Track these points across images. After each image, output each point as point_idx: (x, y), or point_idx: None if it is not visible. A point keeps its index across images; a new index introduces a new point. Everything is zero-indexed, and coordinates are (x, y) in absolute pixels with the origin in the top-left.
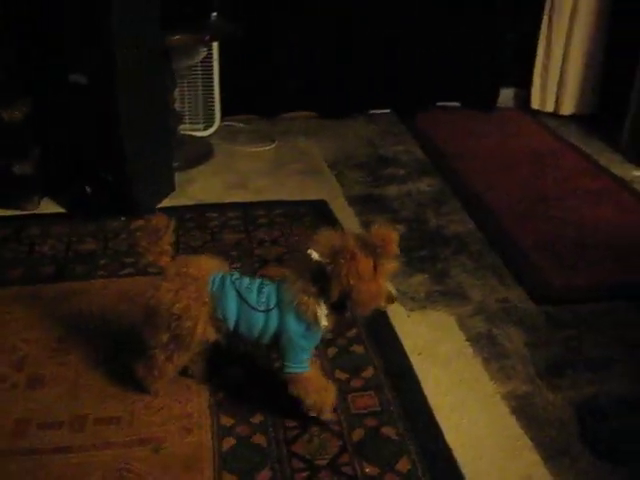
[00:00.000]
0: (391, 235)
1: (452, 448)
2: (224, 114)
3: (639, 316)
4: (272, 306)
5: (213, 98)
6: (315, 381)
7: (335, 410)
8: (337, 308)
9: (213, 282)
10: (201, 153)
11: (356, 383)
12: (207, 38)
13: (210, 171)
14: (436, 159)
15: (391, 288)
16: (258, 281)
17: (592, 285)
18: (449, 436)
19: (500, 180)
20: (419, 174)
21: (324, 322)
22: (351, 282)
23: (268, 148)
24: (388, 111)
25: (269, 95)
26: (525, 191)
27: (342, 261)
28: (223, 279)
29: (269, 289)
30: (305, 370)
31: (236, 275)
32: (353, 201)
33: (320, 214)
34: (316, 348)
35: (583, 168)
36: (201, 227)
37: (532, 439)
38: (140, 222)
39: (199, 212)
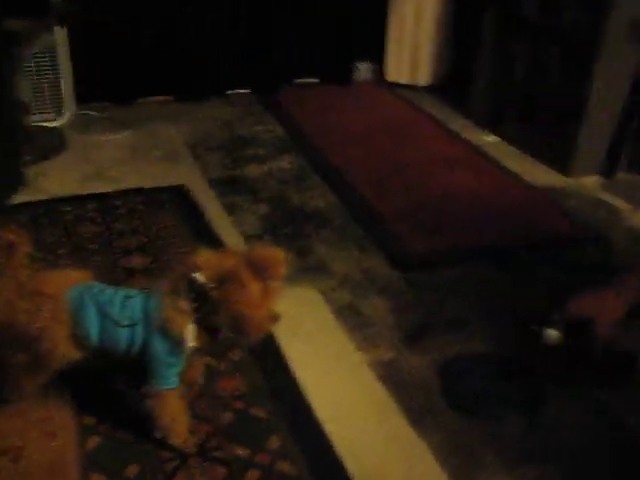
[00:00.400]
0: (279, 257)
1: (321, 421)
2: (77, 103)
3: (496, 276)
4: (136, 320)
5: (62, 86)
6: (173, 404)
7: (202, 395)
8: (210, 330)
9: (71, 298)
10: (53, 144)
11: (223, 366)
12: (50, 22)
13: (64, 163)
14: (296, 136)
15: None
16: (122, 293)
17: (451, 249)
18: (318, 409)
19: (360, 153)
20: (279, 152)
21: (191, 342)
22: (240, 310)
23: (125, 135)
24: (247, 91)
25: (123, 81)
26: (384, 162)
27: (230, 288)
28: (81, 294)
29: (134, 302)
30: (169, 387)
31: (97, 287)
32: (214, 184)
33: (181, 200)
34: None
35: (439, 136)
36: (56, 222)
37: (399, 402)
38: None
39: (53, 206)
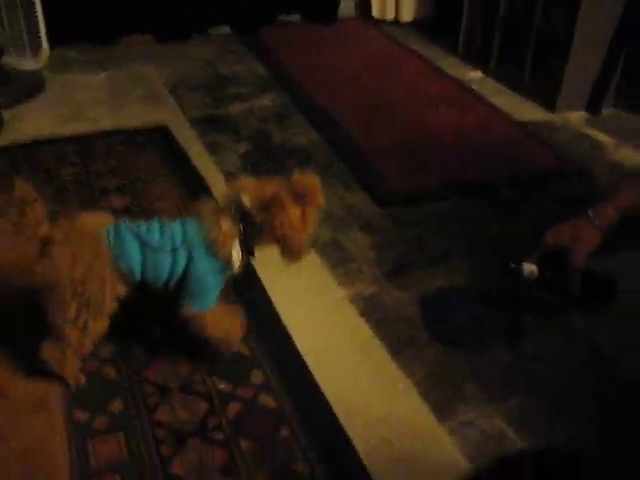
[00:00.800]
0: (315, 182)
1: (304, 355)
2: (54, 43)
3: (478, 211)
4: (178, 244)
5: (38, 26)
6: (219, 317)
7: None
8: (249, 251)
9: (108, 234)
10: (30, 86)
11: None
12: None
13: (42, 105)
14: (278, 74)
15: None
16: (156, 222)
17: (435, 186)
18: (300, 344)
19: (344, 90)
20: (261, 91)
21: (237, 263)
22: (284, 233)
23: (104, 76)
24: (228, 30)
25: (102, 20)
26: (369, 99)
27: (274, 212)
28: (117, 228)
29: (172, 228)
30: (211, 305)
31: (129, 222)
32: (195, 123)
33: (161, 140)
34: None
35: (425, 73)
36: (35, 165)
37: (381, 337)
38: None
39: (32, 149)
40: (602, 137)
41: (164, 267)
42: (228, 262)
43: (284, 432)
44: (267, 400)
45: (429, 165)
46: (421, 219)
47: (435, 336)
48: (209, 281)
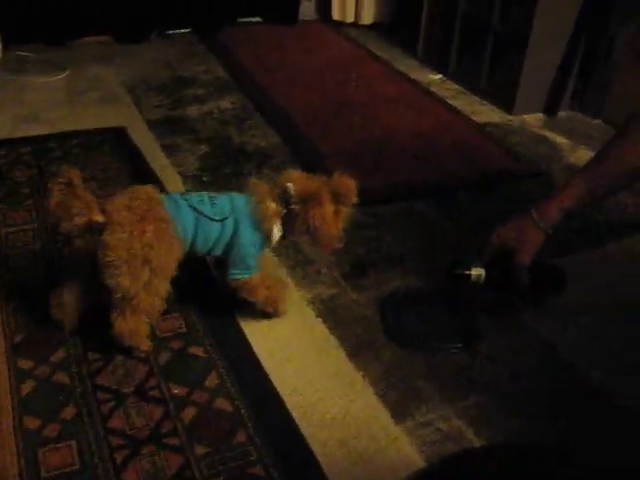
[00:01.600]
0: (352, 185)
1: (260, 357)
2: (8, 43)
3: (434, 213)
4: (227, 215)
5: None
6: (263, 281)
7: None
8: (285, 233)
9: (165, 201)
10: None
11: None
12: None
13: None
14: (238, 76)
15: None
16: (206, 195)
17: (391, 187)
18: (256, 346)
19: (303, 92)
20: (221, 93)
21: (275, 239)
22: (315, 225)
23: (61, 77)
24: (188, 31)
25: (58, 21)
26: (328, 101)
27: (311, 205)
28: (173, 197)
29: (221, 200)
30: (252, 274)
31: (182, 193)
32: (153, 125)
33: (118, 142)
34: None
35: (384, 75)
36: None
37: (339, 338)
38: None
39: None
40: (559, 139)
41: (213, 234)
42: (268, 237)
43: (240, 436)
44: (223, 404)
45: (386, 167)
46: (377, 221)
47: (391, 337)
48: (250, 250)
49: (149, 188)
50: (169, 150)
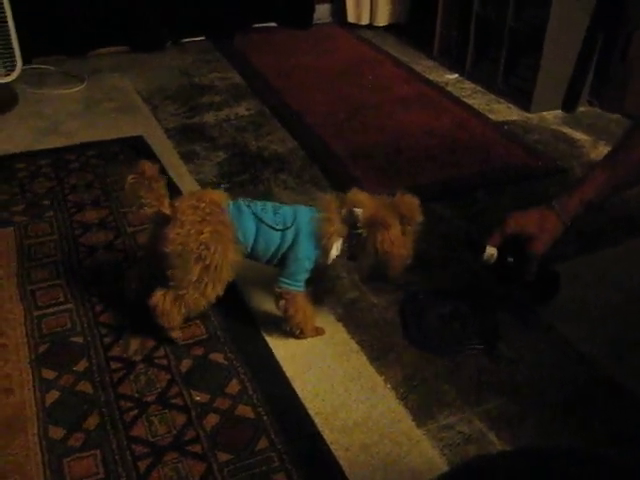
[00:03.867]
0: (416, 204)
1: (281, 362)
2: (28, 56)
3: (453, 213)
4: (289, 225)
5: (10, 39)
6: (303, 301)
7: (161, 343)
8: (351, 258)
9: (229, 207)
10: (4, 100)
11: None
12: None
13: (16, 119)
14: (254, 82)
15: None
16: (270, 204)
17: (408, 187)
18: (277, 351)
19: (319, 95)
20: (237, 99)
21: (332, 257)
22: (385, 249)
23: (79, 89)
24: (202, 38)
25: (76, 32)
26: (344, 103)
27: (379, 230)
28: (237, 204)
29: (284, 211)
30: (299, 290)
31: (247, 201)
32: (171, 133)
33: (137, 151)
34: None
35: (400, 76)
36: (9, 179)
37: (359, 342)
38: (132, 175)
39: (6, 164)
40: (578, 135)
41: (273, 242)
42: (325, 254)
43: (262, 442)
44: (245, 410)
45: (403, 168)
46: None
47: (412, 340)
48: (304, 264)
49: (217, 193)
50: (187, 158)
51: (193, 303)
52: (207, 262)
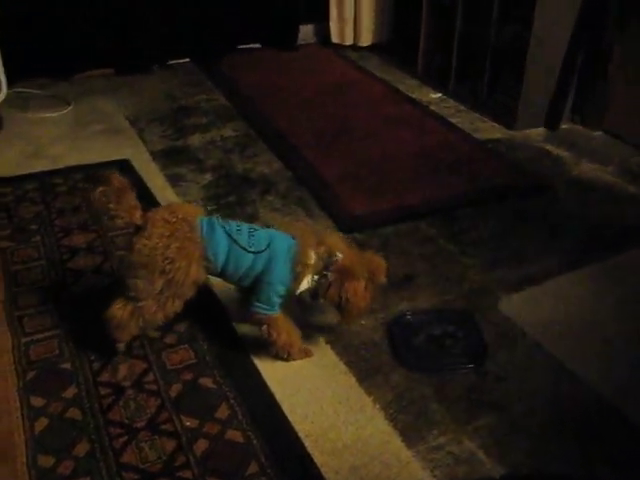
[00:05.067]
0: (384, 266)
1: (270, 385)
2: (13, 80)
3: (437, 232)
4: (263, 249)
5: None
6: (283, 323)
7: (151, 368)
8: (314, 294)
9: (202, 224)
10: None
11: (170, 339)
12: None
13: (1, 143)
14: (240, 103)
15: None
16: (246, 226)
17: (394, 208)
18: (266, 374)
19: (304, 116)
20: (223, 121)
21: (301, 288)
22: (349, 298)
23: (64, 112)
24: (188, 60)
25: (61, 55)
26: (329, 124)
27: (347, 279)
28: (211, 221)
29: (260, 234)
30: (275, 313)
31: (221, 219)
32: (157, 156)
33: (123, 174)
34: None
35: (384, 96)
36: None
37: (347, 364)
38: (99, 188)
39: None
40: (561, 152)
41: (244, 264)
42: (297, 283)
43: (252, 467)
44: (234, 435)
45: (389, 188)
46: (382, 242)
47: (400, 361)
48: (278, 288)
49: (192, 208)
50: (173, 180)
51: (151, 316)
52: (170, 276)
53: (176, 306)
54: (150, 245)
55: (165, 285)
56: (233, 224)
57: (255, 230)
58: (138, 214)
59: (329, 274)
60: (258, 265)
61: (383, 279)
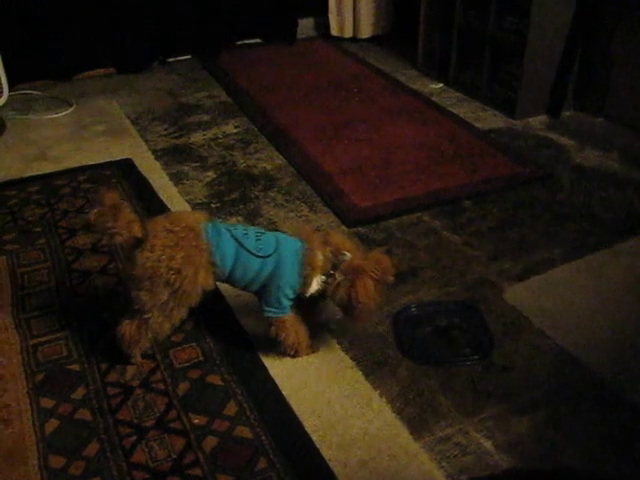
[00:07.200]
0: (390, 265)
1: (277, 381)
2: (15, 82)
3: (441, 223)
4: (271, 253)
5: None
6: (292, 324)
7: (158, 367)
8: (321, 296)
9: (207, 230)
10: None
11: (177, 338)
12: None
13: (4, 146)
14: (241, 99)
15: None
16: (252, 229)
17: (398, 200)
18: (273, 370)
19: (305, 110)
20: (224, 117)
21: (311, 290)
22: (359, 298)
23: (66, 113)
24: (188, 57)
25: (62, 56)
26: (330, 117)
27: (357, 278)
28: (216, 226)
29: (267, 238)
30: (285, 314)
31: (226, 224)
32: (159, 155)
33: (126, 173)
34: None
35: (385, 88)
36: (0, 208)
37: (354, 358)
38: (94, 210)
39: None
40: (564, 140)
41: (252, 269)
42: (307, 285)
43: (261, 463)
44: (243, 431)
45: (392, 181)
46: (387, 235)
47: (406, 353)
48: (287, 292)
49: (194, 215)
50: (176, 179)
51: (158, 327)
52: (176, 287)
53: (182, 314)
54: (153, 257)
55: (170, 296)
56: (240, 228)
57: (262, 234)
58: (137, 227)
59: (336, 274)
60: (266, 270)
61: (391, 279)
